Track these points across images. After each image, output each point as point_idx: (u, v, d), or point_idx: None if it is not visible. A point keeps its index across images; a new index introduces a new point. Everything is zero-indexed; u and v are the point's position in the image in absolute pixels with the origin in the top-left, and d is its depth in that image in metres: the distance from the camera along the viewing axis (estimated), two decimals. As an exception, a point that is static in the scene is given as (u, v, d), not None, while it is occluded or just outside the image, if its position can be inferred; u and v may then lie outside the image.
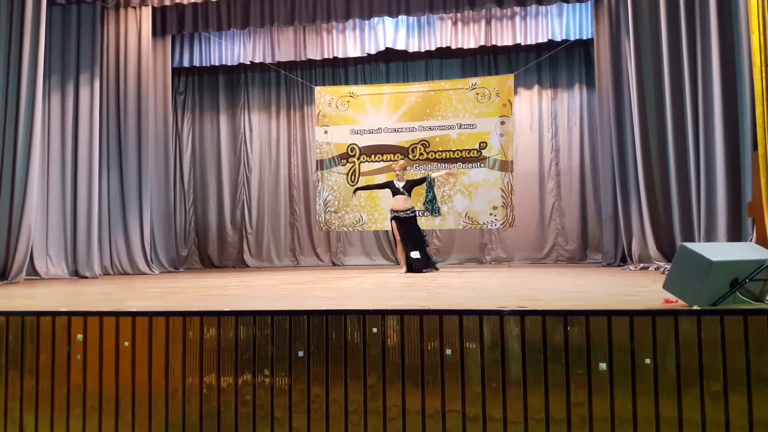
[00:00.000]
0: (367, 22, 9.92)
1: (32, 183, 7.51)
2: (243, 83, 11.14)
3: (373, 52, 10.18)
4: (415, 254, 7.69)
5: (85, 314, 3.40)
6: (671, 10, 7.31)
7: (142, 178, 9.32)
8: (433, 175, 8.30)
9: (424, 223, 9.88)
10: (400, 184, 7.98)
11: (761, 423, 2.78)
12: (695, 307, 2.97)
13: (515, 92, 9.94)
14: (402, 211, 7.87)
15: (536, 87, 10.34)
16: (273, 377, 3.16)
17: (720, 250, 3.14)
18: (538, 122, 10.30)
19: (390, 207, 8.04)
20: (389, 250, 10.43)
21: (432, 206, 8.16)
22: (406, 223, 7.83)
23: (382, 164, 9.98)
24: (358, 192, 9.10)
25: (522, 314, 3.03)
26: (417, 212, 8.12)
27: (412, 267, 7.64)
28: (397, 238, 7.84)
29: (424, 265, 7.69)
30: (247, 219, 10.99)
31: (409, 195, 7.96)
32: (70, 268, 8.39)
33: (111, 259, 9.06)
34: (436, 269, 7.81)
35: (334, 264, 10.71)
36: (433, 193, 8.18)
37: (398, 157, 9.86)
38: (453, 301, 3.82)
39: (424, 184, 8.15)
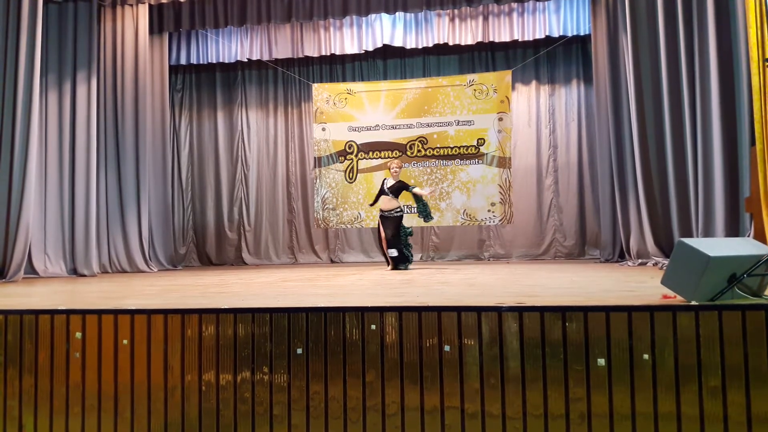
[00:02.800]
0: (364, 18, 9.92)
1: (30, 181, 7.50)
2: (240, 80, 11.13)
3: (370, 48, 10.17)
4: (392, 252, 7.82)
5: (84, 312, 3.40)
6: (669, 5, 7.31)
7: (139, 176, 9.31)
8: (414, 190, 8.14)
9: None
10: (389, 182, 8.01)
11: (759, 418, 2.79)
12: (693, 303, 2.98)
13: (513, 88, 9.94)
14: (386, 210, 7.95)
15: (534, 83, 10.34)
16: (272, 374, 3.17)
17: (718, 246, 3.14)
18: (535, 118, 10.31)
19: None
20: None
21: (424, 213, 8.21)
22: (387, 222, 7.90)
23: (379, 161, 9.99)
24: (356, 188, 9.11)
25: (520, 310, 3.03)
26: (402, 212, 8.02)
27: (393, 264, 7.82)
28: (381, 235, 7.90)
29: (400, 261, 7.82)
30: (245, 217, 10.99)
31: (396, 196, 7.95)
32: (69, 267, 8.38)
33: (109, 257, 9.06)
34: (405, 268, 7.81)
35: (332, 261, 10.71)
36: (422, 203, 8.19)
37: (396, 154, 9.87)
38: (451, 298, 3.82)
39: (411, 193, 8.13)
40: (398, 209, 7.98)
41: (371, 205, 8.59)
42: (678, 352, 2.87)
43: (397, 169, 8.10)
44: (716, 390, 2.82)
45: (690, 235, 6.96)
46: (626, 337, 2.91)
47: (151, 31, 9.65)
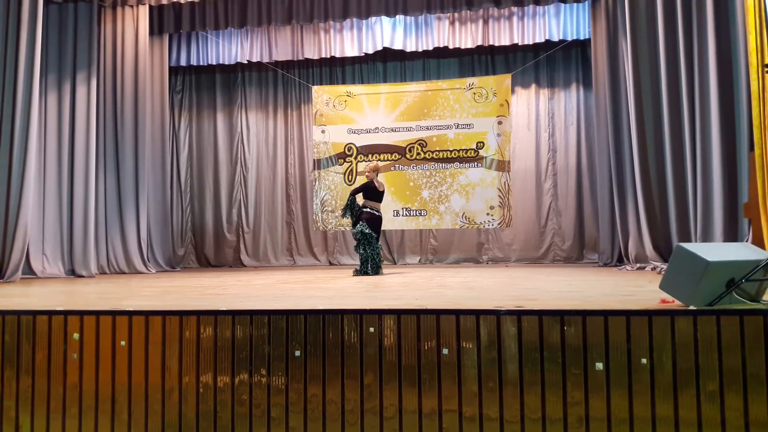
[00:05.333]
0: (364, 21, 9.92)
1: (29, 182, 7.50)
2: (240, 82, 11.13)
3: (370, 51, 10.17)
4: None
5: (82, 313, 3.40)
6: (668, 10, 7.33)
7: (138, 177, 9.30)
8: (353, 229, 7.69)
9: (421, 223, 9.92)
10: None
11: (757, 422, 2.79)
12: (691, 307, 2.98)
13: (512, 92, 9.95)
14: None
15: (533, 87, 10.34)
16: (270, 377, 3.16)
17: (716, 251, 3.15)
18: (535, 122, 10.31)
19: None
20: (386, 249, 10.44)
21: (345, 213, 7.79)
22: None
23: (379, 164, 9.99)
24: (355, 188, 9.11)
25: (519, 314, 3.03)
26: (363, 213, 7.63)
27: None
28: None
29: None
30: (244, 218, 10.98)
31: (365, 197, 7.70)
32: (67, 267, 8.37)
33: (107, 258, 9.05)
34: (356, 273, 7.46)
35: (330, 263, 10.70)
36: (346, 211, 7.76)
37: (395, 157, 9.88)
38: (450, 301, 3.82)
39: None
40: (363, 209, 7.63)
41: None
42: (676, 356, 2.87)
43: (371, 173, 7.76)
44: (714, 394, 2.83)
45: (688, 240, 6.96)
46: (624, 342, 2.91)
47: (151, 33, 9.65)
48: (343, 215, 7.85)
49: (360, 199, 7.70)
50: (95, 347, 3.33)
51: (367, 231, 7.47)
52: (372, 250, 7.44)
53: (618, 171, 8.26)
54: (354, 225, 7.63)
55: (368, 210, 7.62)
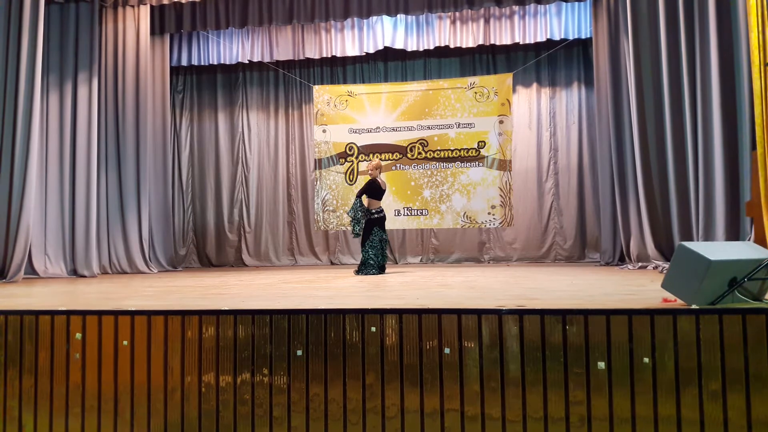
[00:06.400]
0: (365, 21, 9.93)
1: (30, 182, 7.50)
2: (241, 82, 11.13)
3: (371, 51, 10.17)
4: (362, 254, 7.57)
5: (84, 313, 3.40)
6: (670, 8, 7.32)
7: (140, 177, 9.31)
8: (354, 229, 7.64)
9: (422, 222, 9.92)
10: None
11: (759, 422, 2.78)
12: (694, 306, 2.98)
13: (514, 91, 9.95)
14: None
15: (535, 86, 10.34)
16: (271, 376, 3.17)
17: (718, 250, 3.15)
18: (536, 121, 10.31)
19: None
20: (388, 249, 10.43)
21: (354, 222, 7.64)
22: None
23: (381, 162, 9.99)
24: (356, 190, 9.10)
25: (520, 313, 3.03)
26: (375, 214, 7.63)
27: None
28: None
29: (363, 265, 7.49)
30: (246, 218, 10.98)
31: (369, 197, 7.66)
32: (69, 267, 8.38)
33: (109, 258, 9.06)
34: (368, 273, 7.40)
35: (332, 263, 10.71)
36: (356, 213, 7.61)
37: (396, 156, 9.87)
38: (452, 300, 3.82)
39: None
40: (373, 211, 7.62)
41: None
42: (678, 355, 2.87)
43: (374, 171, 7.73)
44: (716, 394, 2.82)
45: (690, 239, 6.96)
46: (626, 341, 2.91)
47: (153, 32, 9.66)
48: (354, 232, 7.66)
49: (365, 199, 7.70)
50: (98, 347, 3.34)
51: (385, 237, 7.63)
52: (378, 251, 7.47)
53: (619, 170, 8.26)
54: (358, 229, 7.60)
55: (377, 214, 7.65)
